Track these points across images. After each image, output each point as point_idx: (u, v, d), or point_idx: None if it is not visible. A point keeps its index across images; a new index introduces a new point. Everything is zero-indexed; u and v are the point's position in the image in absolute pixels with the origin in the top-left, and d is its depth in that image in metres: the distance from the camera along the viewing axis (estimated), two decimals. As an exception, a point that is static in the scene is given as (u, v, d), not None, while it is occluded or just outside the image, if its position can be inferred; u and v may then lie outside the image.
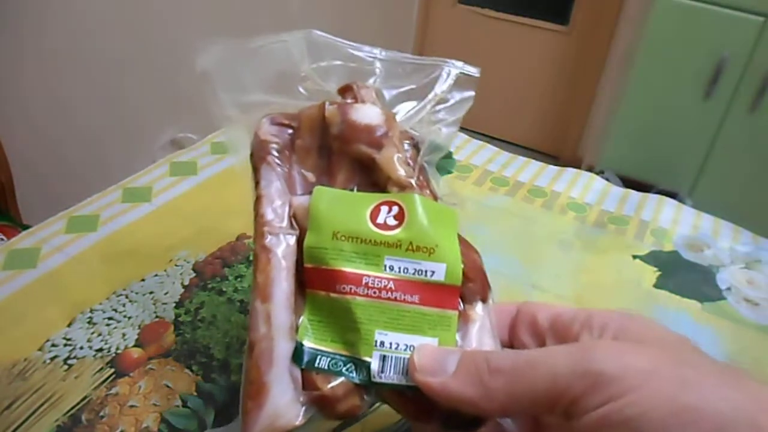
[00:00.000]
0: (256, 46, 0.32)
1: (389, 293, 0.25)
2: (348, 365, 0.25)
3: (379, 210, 0.27)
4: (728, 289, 0.52)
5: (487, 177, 0.65)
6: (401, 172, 0.28)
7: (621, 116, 1.79)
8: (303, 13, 1.69)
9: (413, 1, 2.24)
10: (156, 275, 0.46)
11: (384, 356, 0.25)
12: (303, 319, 0.26)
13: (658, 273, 0.52)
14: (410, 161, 0.29)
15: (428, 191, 0.29)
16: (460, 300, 0.26)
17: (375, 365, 0.24)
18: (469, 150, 0.70)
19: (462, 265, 0.26)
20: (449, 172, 0.65)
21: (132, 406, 0.35)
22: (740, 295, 0.51)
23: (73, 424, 0.34)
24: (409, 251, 0.26)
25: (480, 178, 0.64)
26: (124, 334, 0.40)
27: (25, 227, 0.80)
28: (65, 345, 0.39)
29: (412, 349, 0.25)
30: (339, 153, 0.29)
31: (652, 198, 0.64)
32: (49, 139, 1.20)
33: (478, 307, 0.26)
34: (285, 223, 0.28)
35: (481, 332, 0.26)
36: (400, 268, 0.26)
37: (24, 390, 0.36)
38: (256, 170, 0.29)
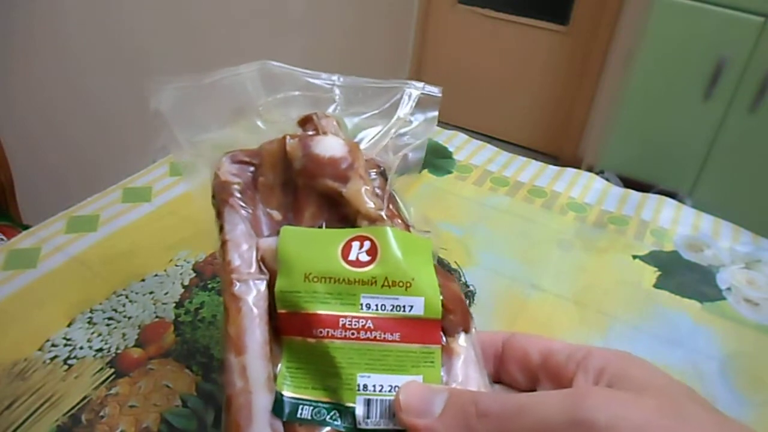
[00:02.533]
0: (210, 81, 0.31)
1: (368, 333, 0.24)
2: (332, 413, 0.24)
3: (351, 246, 0.26)
4: (728, 289, 0.52)
5: (487, 177, 0.65)
6: (370, 204, 0.27)
7: (621, 116, 1.79)
8: (305, 11, 1.69)
9: (413, 1, 2.24)
10: (156, 275, 0.46)
11: (368, 400, 0.23)
12: (281, 368, 0.24)
13: (658, 273, 0.52)
14: (378, 190, 0.28)
15: (399, 220, 0.28)
16: (442, 333, 0.25)
17: (360, 411, 0.23)
18: (469, 150, 0.70)
19: (441, 297, 0.25)
20: (449, 173, 0.65)
21: (132, 406, 0.35)
22: (740, 295, 0.51)
23: (73, 424, 0.34)
24: (385, 287, 0.25)
25: (480, 178, 0.64)
26: (124, 334, 0.40)
27: (25, 227, 0.80)
28: (65, 345, 0.39)
29: (396, 390, 0.23)
30: (304, 188, 0.28)
31: (652, 198, 0.64)
32: (49, 139, 1.19)
33: (461, 338, 0.25)
34: (253, 268, 0.26)
35: (466, 365, 0.25)
36: (377, 305, 0.24)
37: (24, 390, 0.36)
38: (219, 214, 0.28)
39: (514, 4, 2.15)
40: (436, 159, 0.66)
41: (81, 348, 0.39)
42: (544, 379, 0.25)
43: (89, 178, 0.84)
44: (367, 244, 0.26)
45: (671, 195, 0.66)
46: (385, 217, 0.27)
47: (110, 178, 0.57)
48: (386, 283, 0.25)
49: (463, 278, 0.49)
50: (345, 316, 0.24)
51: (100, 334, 0.40)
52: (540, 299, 0.48)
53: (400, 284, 0.25)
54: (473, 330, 0.26)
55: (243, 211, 0.28)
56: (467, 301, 0.46)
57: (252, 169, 0.29)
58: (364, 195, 0.27)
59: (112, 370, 0.38)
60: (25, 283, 0.44)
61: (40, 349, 0.39)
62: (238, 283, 0.26)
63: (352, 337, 0.24)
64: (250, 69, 0.31)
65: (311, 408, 0.24)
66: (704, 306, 0.49)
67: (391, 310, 0.25)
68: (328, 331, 0.24)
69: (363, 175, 0.28)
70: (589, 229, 0.58)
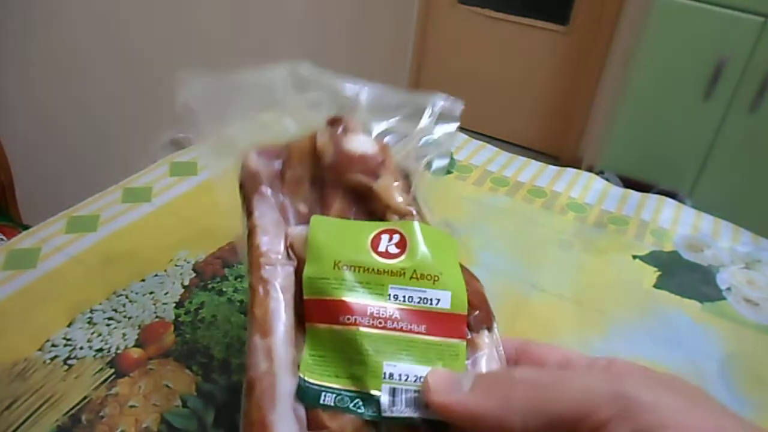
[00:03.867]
0: (238, 79, 0.31)
1: (395, 323, 0.24)
2: (355, 400, 0.23)
3: (380, 238, 0.26)
4: (728, 289, 0.52)
5: (487, 177, 0.65)
6: (400, 200, 0.27)
7: (621, 116, 1.79)
8: (304, 11, 1.69)
9: (413, 1, 2.24)
10: (156, 275, 0.46)
11: (394, 389, 0.23)
12: (304, 355, 0.24)
13: (658, 273, 0.52)
14: (405, 191, 0.29)
15: (424, 221, 0.28)
16: (467, 328, 0.25)
17: (385, 399, 0.23)
18: (469, 150, 0.70)
19: (467, 293, 0.25)
20: (449, 173, 0.65)
21: (132, 407, 0.35)
22: (740, 295, 0.51)
23: (73, 424, 0.34)
24: (413, 279, 0.25)
25: (480, 178, 0.64)
26: (124, 334, 0.40)
27: (25, 227, 0.80)
28: (65, 345, 0.39)
29: (421, 381, 0.23)
30: (332, 184, 0.28)
31: (652, 198, 0.64)
32: (49, 139, 1.19)
33: (485, 335, 0.26)
34: (281, 253, 0.27)
35: (489, 362, 0.25)
36: (405, 297, 0.25)
37: (24, 390, 0.36)
38: (248, 201, 0.28)
39: (514, 4, 2.15)
40: (436, 159, 0.66)
41: (81, 348, 0.39)
42: None
43: (89, 178, 0.84)
44: (396, 237, 0.26)
45: (671, 195, 0.66)
46: (414, 212, 0.27)
47: (110, 178, 0.57)
48: (414, 276, 0.25)
49: (463, 278, 0.49)
50: (373, 305, 0.24)
51: (100, 334, 0.40)
52: (540, 299, 0.48)
53: (428, 277, 0.25)
54: (496, 330, 0.26)
55: (272, 200, 0.28)
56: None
57: (278, 163, 0.30)
58: (394, 190, 0.28)
59: (112, 370, 0.38)
60: (25, 283, 0.44)
61: (40, 349, 0.39)
62: (266, 267, 0.26)
63: (380, 326, 0.24)
64: (280, 69, 0.32)
65: (334, 395, 0.24)
66: (704, 306, 0.49)
67: (419, 302, 0.25)
68: (356, 318, 0.24)
69: (394, 172, 0.29)
70: (589, 229, 0.58)
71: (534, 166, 0.68)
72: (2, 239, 0.89)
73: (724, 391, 0.41)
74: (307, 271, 0.25)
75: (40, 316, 0.41)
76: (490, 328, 0.26)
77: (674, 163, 1.76)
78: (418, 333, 0.24)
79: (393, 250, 0.26)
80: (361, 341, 0.24)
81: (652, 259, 0.54)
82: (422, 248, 0.26)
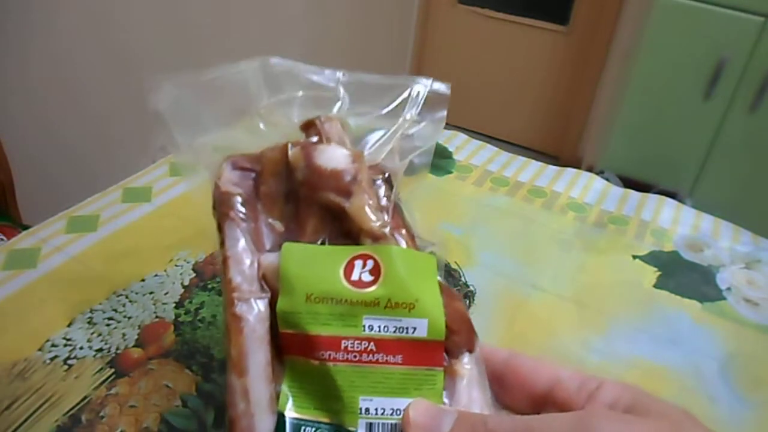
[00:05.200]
0: (210, 78, 0.30)
1: (371, 355, 0.24)
2: None
3: (354, 265, 0.25)
4: (728, 289, 0.51)
5: (487, 177, 0.65)
6: (374, 222, 0.26)
7: (621, 116, 1.79)
8: (304, 12, 1.69)
9: (413, 1, 2.24)
10: (156, 275, 0.46)
11: (370, 424, 0.23)
12: (283, 387, 0.24)
13: (658, 273, 0.52)
14: (384, 198, 0.28)
15: (404, 230, 0.27)
16: (445, 355, 0.25)
17: None
18: (468, 150, 0.70)
19: (445, 318, 0.24)
20: (449, 173, 0.65)
21: (132, 406, 0.35)
22: (740, 295, 0.51)
23: (73, 424, 0.34)
24: (388, 308, 0.24)
25: (480, 178, 0.64)
26: (124, 334, 0.40)
27: (25, 227, 0.80)
28: (65, 345, 0.39)
29: (399, 413, 0.23)
30: (306, 200, 0.27)
31: (652, 198, 0.64)
32: (49, 139, 1.19)
33: (465, 359, 0.25)
34: (255, 285, 0.26)
35: (470, 387, 0.24)
36: (380, 327, 0.24)
37: (24, 390, 0.36)
38: (220, 228, 0.28)
39: (514, 4, 2.15)
40: (436, 159, 0.66)
41: (81, 348, 0.39)
42: (551, 407, 0.24)
43: (89, 178, 0.84)
44: (370, 263, 0.25)
45: (671, 195, 0.66)
46: (388, 234, 0.26)
47: (110, 178, 0.57)
48: (389, 305, 0.24)
49: (463, 278, 0.49)
50: (347, 338, 0.24)
51: (100, 334, 0.40)
52: (540, 299, 0.48)
53: (404, 305, 0.24)
54: (478, 349, 0.26)
55: (244, 224, 0.27)
56: (467, 302, 0.46)
57: (253, 175, 0.29)
58: (367, 211, 0.27)
59: (112, 370, 0.38)
60: (25, 283, 0.44)
61: (40, 349, 0.39)
62: (239, 303, 0.25)
63: (355, 359, 0.24)
64: (252, 66, 0.30)
65: (313, 429, 0.23)
66: (704, 306, 0.49)
67: (394, 331, 0.24)
68: (330, 354, 0.24)
69: (367, 189, 0.27)
70: (589, 229, 0.58)
71: (534, 166, 0.68)
72: (2, 239, 0.89)
73: (724, 391, 0.41)
74: (280, 304, 0.25)
75: (40, 316, 0.41)
76: (471, 350, 0.25)
77: (674, 163, 1.76)
78: (394, 364, 0.24)
79: (366, 277, 0.25)
80: (335, 377, 0.23)
81: (652, 259, 0.54)
82: (397, 274, 0.25)
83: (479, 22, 2.23)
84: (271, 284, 0.26)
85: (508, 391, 0.26)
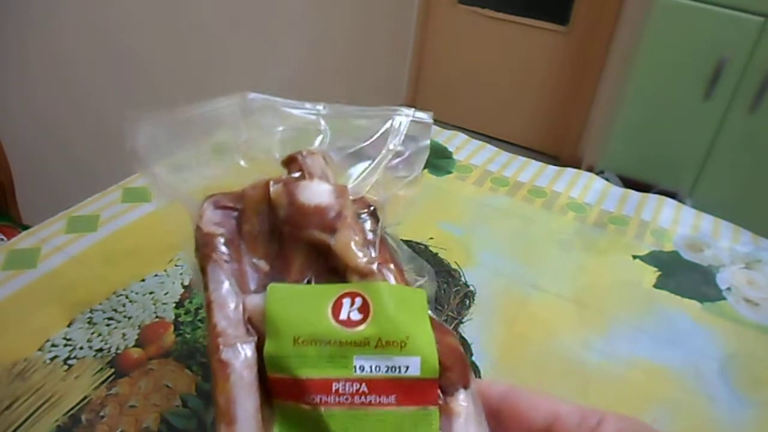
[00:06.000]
0: (187, 117, 0.29)
1: (363, 397, 0.23)
2: None
3: (342, 304, 0.24)
4: (728, 289, 0.52)
5: (487, 177, 0.65)
6: (361, 258, 0.26)
7: (621, 116, 1.79)
8: (304, 12, 1.69)
9: (413, 1, 2.24)
10: (156, 275, 0.46)
11: None
12: None
13: (658, 273, 0.52)
14: (370, 232, 0.27)
15: (392, 265, 0.27)
16: (440, 392, 0.24)
17: None
18: (468, 150, 0.70)
19: (437, 355, 0.24)
20: (449, 173, 0.65)
21: (132, 406, 0.35)
22: (740, 295, 0.51)
23: (73, 424, 0.34)
24: (378, 348, 0.23)
25: (480, 178, 0.64)
26: (124, 334, 0.40)
27: (25, 227, 0.80)
28: (65, 345, 0.39)
29: None
30: (290, 238, 0.27)
31: (652, 198, 0.64)
32: (49, 139, 1.19)
33: (461, 396, 0.24)
34: (240, 330, 0.25)
35: (467, 424, 0.24)
36: (371, 367, 0.23)
37: (24, 390, 0.36)
38: (203, 270, 0.27)
39: (514, 4, 2.15)
40: (436, 159, 0.66)
41: (81, 348, 0.39)
42: None
43: (89, 178, 0.84)
44: (358, 301, 0.25)
45: (671, 195, 0.66)
46: (376, 270, 0.26)
47: (110, 178, 0.56)
48: (380, 344, 0.24)
49: (463, 278, 0.49)
50: (338, 380, 0.23)
51: (100, 334, 0.40)
52: (540, 299, 0.48)
53: (395, 344, 0.24)
54: (473, 385, 0.25)
55: (227, 266, 0.27)
56: (467, 302, 0.46)
57: (236, 214, 0.28)
58: (353, 248, 0.26)
59: (112, 370, 0.38)
60: (25, 283, 0.44)
61: (40, 349, 0.39)
62: (224, 348, 0.25)
63: (347, 402, 0.23)
64: (230, 102, 0.30)
65: None
66: (704, 306, 0.49)
67: (387, 371, 0.23)
68: (320, 398, 0.23)
69: (352, 224, 0.27)
70: (589, 229, 0.58)
71: (534, 166, 0.68)
72: (2, 239, 0.89)
73: (724, 391, 0.41)
74: (267, 348, 0.24)
75: (40, 316, 0.41)
76: (466, 386, 0.25)
77: (674, 163, 1.76)
78: (388, 405, 0.23)
79: (355, 316, 0.24)
80: (327, 422, 0.23)
81: (652, 259, 0.54)
82: (387, 312, 0.24)
83: (479, 22, 2.23)
84: (258, 327, 0.25)
85: (505, 427, 0.25)
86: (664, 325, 0.47)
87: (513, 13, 2.16)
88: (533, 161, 0.69)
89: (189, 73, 1.36)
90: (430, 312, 0.26)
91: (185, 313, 0.42)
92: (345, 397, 0.23)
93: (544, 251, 0.54)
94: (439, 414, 0.24)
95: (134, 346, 0.39)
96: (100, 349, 0.39)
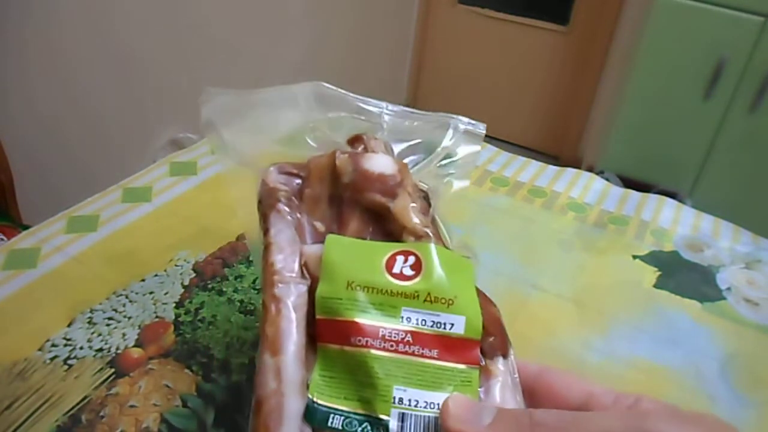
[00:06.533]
0: (261, 96, 0.31)
1: (407, 347, 0.24)
2: (364, 424, 0.23)
3: (395, 259, 0.26)
4: (728, 289, 0.52)
5: (487, 177, 0.65)
6: (417, 221, 0.27)
7: (621, 116, 1.79)
8: (304, 12, 1.69)
9: (413, 1, 2.24)
10: (156, 275, 0.46)
11: (403, 414, 0.23)
12: (314, 376, 0.24)
13: (658, 273, 0.52)
14: (421, 213, 0.29)
15: (441, 243, 0.28)
16: (480, 354, 0.25)
17: (394, 424, 0.23)
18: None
19: (482, 318, 0.25)
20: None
21: (132, 406, 0.35)
22: (740, 295, 0.51)
23: (73, 424, 0.34)
24: (427, 302, 0.24)
25: (480, 178, 0.64)
26: (124, 334, 0.40)
27: (25, 227, 0.80)
28: (65, 345, 0.39)
29: (432, 407, 0.23)
30: (350, 202, 0.28)
31: (652, 198, 0.64)
32: (49, 139, 1.19)
33: (499, 362, 0.25)
34: (296, 272, 0.26)
35: (503, 389, 0.24)
36: (418, 320, 0.24)
37: (24, 390, 0.36)
38: (264, 218, 0.28)
39: (514, 4, 2.15)
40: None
41: (81, 348, 0.39)
42: None
43: (89, 178, 0.84)
44: (411, 259, 0.26)
45: (671, 195, 0.66)
46: (430, 234, 0.27)
47: (110, 178, 0.57)
48: (428, 299, 0.25)
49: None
50: (385, 327, 0.24)
51: (100, 334, 0.40)
52: (540, 299, 0.48)
53: (443, 301, 0.25)
54: (511, 357, 0.26)
55: (289, 218, 0.28)
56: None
57: (298, 181, 0.30)
58: (411, 211, 0.28)
59: (112, 370, 0.38)
60: (25, 283, 0.44)
61: (40, 349, 0.39)
62: (279, 285, 0.26)
63: (391, 348, 0.24)
64: (304, 88, 0.32)
65: (343, 418, 0.23)
66: (704, 306, 0.49)
67: (432, 326, 0.24)
68: (367, 341, 0.24)
69: (411, 193, 0.28)
70: (589, 229, 0.58)
71: (534, 166, 0.68)
72: (2, 239, 0.89)
73: (724, 391, 0.41)
74: (320, 290, 0.25)
75: (40, 316, 0.41)
76: (505, 355, 0.25)
77: (674, 163, 1.76)
78: (429, 357, 0.24)
79: (408, 272, 0.25)
80: (371, 364, 0.24)
81: (652, 259, 0.54)
82: (437, 271, 0.25)
83: (479, 22, 2.23)
84: (312, 273, 0.26)
85: (539, 405, 0.25)
86: (664, 325, 0.47)
87: (513, 12, 2.16)
88: (533, 161, 0.69)
89: (189, 73, 1.36)
90: (476, 285, 0.27)
91: (185, 313, 0.42)
92: (390, 343, 0.24)
93: (544, 251, 0.54)
94: (479, 374, 0.24)
95: (134, 346, 0.39)
96: (100, 349, 0.39)
